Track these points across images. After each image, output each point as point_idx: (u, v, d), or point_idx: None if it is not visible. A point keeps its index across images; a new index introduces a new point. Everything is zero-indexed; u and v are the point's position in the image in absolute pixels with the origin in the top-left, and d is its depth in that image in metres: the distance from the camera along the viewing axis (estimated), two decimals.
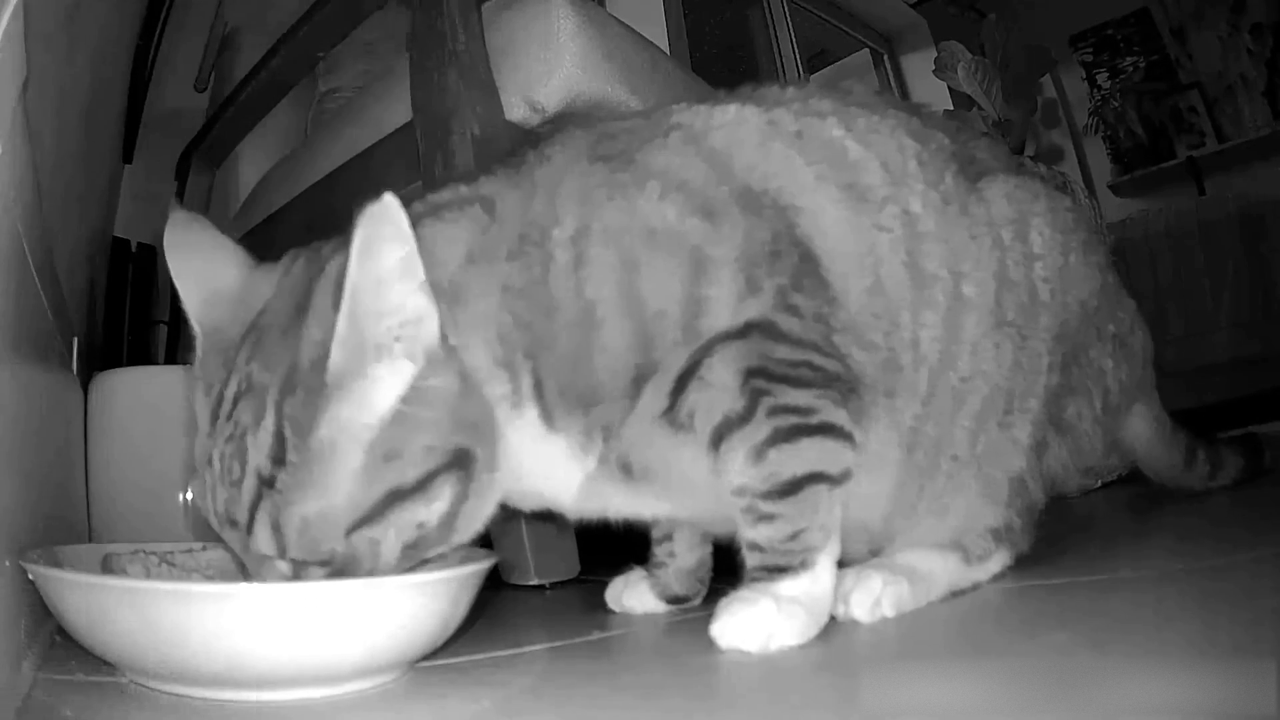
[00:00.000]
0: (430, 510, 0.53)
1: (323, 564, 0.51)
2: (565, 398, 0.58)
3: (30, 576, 0.52)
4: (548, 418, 0.58)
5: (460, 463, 0.53)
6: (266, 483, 0.50)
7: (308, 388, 0.50)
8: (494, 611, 0.80)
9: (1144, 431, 0.92)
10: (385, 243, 0.49)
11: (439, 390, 0.53)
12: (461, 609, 0.55)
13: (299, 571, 0.52)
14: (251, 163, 1.55)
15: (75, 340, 0.99)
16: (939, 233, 0.67)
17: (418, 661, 0.56)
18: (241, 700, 0.50)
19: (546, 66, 0.93)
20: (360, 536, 0.51)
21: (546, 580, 0.92)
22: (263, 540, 0.51)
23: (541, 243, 0.58)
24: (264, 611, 0.48)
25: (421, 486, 0.52)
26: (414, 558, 0.54)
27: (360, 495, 0.51)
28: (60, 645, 0.60)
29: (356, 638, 0.50)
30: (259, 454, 0.50)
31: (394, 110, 1.07)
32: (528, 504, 0.63)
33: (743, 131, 0.65)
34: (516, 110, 0.94)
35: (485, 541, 0.82)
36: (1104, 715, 0.41)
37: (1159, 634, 0.54)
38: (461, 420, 0.54)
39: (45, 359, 0.72)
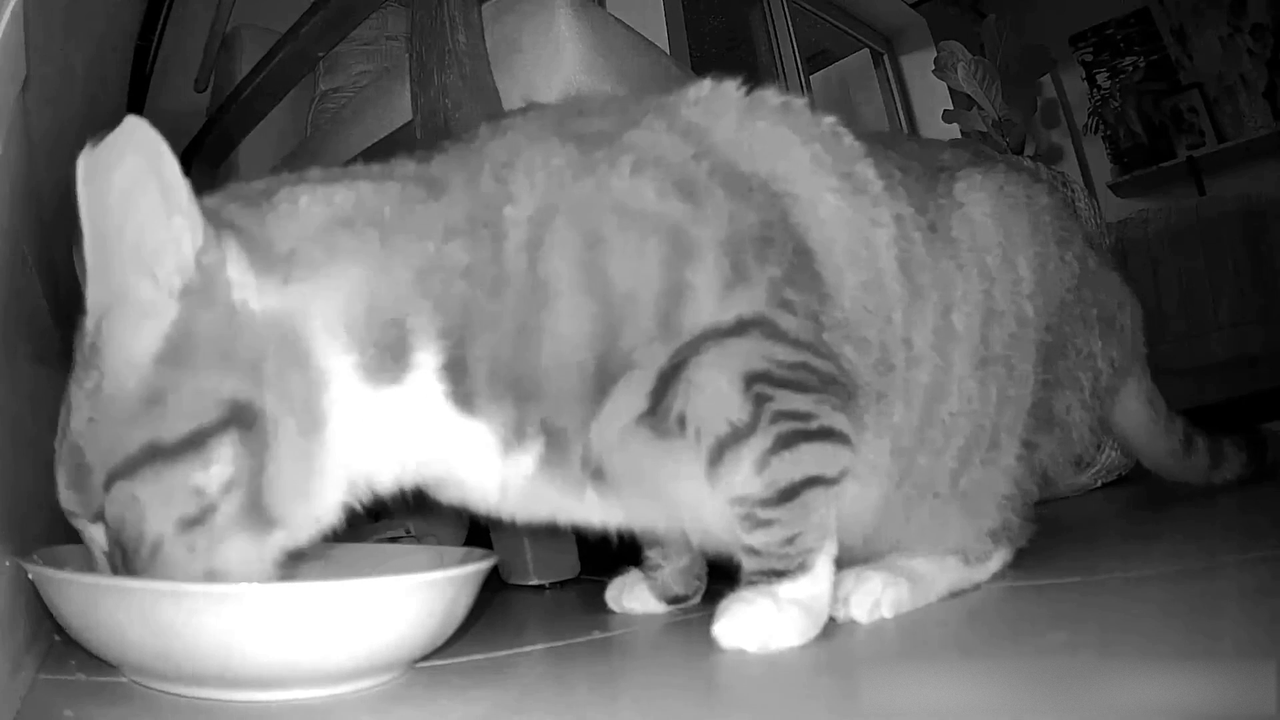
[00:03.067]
0: (209, 476, 0.47)
1: (103, 523, 0.49)
2: (495, 382, 0.53)
3: (30, 576, 0.52)
4: (464, 400, 0.53)
5: (241, 419, 0.47)
6: (64, 430, 0.49)
7: (85, 333, 0.49)
8: (494, 611, 0.80)
9: (1137, 411, 0.90)
10: (115, 162, 0.46)
11: (201, 325, 0.48)
12: (461, 609, 0.55)
13: (112, 542, 0.49)
14: (251, 163, 1.55)
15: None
16: (927, 257, 0.65)
17: (418, 661, 0.56)
18: (241, 700, 0.50)
19: (546, 66, 0.93)
20: (121, 491, 0.47)
21: (546, 580, 0.92)
22: (64, 497, 0.49)
23: (492, 221, 0.54)
24: (263, 611, 0.47)
25: (189, 445, 0.47)
26: (205, 542, 0.48)
27: (117, 441, 0.47)
28: (60, 645, 0.60)
29: (356, 638, 0.50)
30: (68, 408, 0.49)
31: (394, 110, 1.06)
32: (445, 494, 0.58)
33: (720, 105, 0.62)
34: None
35: (485, 541, 0.82)
36: (1104, 715, 0.40)
37: (1159, 634, 0.54)
38: (236, 360, 0.48)
39: (45, 359, 0.72)
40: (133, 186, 0.47)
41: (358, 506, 0.54)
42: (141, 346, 0.48)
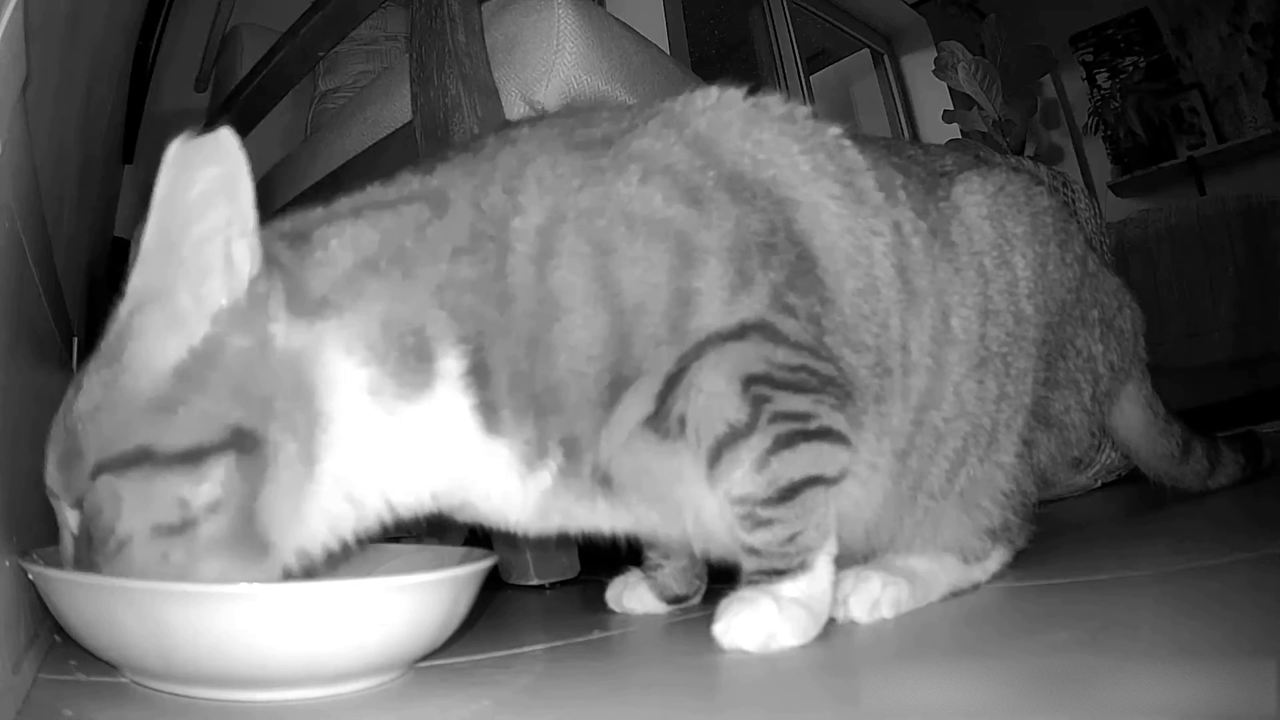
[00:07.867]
0: (197, 492, 0.47)
1: (80, 510, 0.49)
2: (516, 393, 0.53)
3: (30, 576, 0.52)
4: (489, 413, 0.53)
5: (241, 445, 0.48)
6: (66, 410, 0.49)
7: (117, 320, 0.49)
8: (494, 611, 0.80)
9: (1135, 415, 0.90)
10: (204, 163, 0.47)
11: (232, 349, 0.48)
12: (461, 609, 0.55)
13: (82, 528, 0.49)
14: (252, 163, 1.55)
15: (75, 340, 0.99)
16: (926, 261, 0.66)
17: (418, 661, 0.56)
18: (241, 700, 0.50)
19: (546, 66, 0.93)
20: (105, 485, 0.47)
21: (546, 580, 0.92)
22: (50, 476, 0.50)
23: (497, 234, 0.54)
24: (264, 611, 0.47)
25: (186, 458, 0.47)
26: (176, 553, 0.47)
27: (115, 435, 0.47)
28: (60, 645, 0.60)
29: (357, 638, 0.50)
30: (77, 389, 0.50)
31: (394, 110, 1.07)
32: (459, 515, 0.58)
33: (727, 115, 0.63)
34: (516, 110, 0.94)
35: (485, 541, 0.82)
36: (1104, 715, 0.40)
37: (1159, 634, 0.54)
38: (253, 389, 0.48)
39: (44, 359, 0.72)
40: (212, 193, 0.47)
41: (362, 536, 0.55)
42: (166, 351, 0.48)
